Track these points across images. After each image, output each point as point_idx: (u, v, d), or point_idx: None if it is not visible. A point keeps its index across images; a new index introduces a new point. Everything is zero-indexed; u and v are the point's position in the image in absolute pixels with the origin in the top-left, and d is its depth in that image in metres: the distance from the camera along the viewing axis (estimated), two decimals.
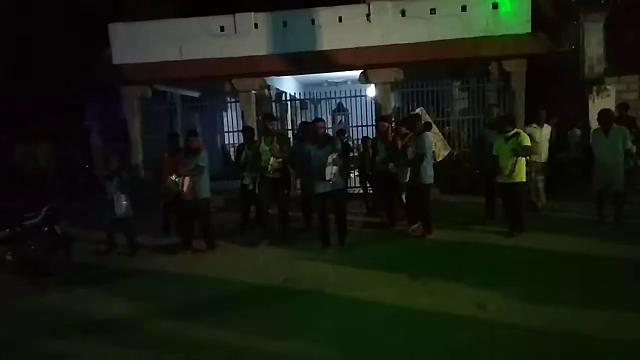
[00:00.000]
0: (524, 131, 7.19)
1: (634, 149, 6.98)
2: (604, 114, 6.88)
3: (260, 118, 9.86)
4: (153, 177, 9.31)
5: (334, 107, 14.55)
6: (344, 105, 13.49)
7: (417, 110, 8.49)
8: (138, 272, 6.13)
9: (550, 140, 8.02)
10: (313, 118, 8.40)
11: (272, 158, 6.67)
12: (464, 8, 9.81)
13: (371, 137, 9.12)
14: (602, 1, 10.30)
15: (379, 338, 3.91)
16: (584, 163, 8.66)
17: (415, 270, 5.40)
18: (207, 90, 12.35)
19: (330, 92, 11.04)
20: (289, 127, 11.83)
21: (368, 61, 9.97)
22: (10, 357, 4.06)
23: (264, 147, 6.87)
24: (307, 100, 14.02)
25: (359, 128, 10.77)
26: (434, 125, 8.25)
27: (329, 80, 14.41)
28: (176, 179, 6.50)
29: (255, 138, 8.02)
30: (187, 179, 6.50)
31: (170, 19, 10.81)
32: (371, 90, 10.85)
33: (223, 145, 13.07)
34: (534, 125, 7.85)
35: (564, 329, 3.82)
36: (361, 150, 9.30)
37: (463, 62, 10.45)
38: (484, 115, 9.58)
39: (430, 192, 7.13)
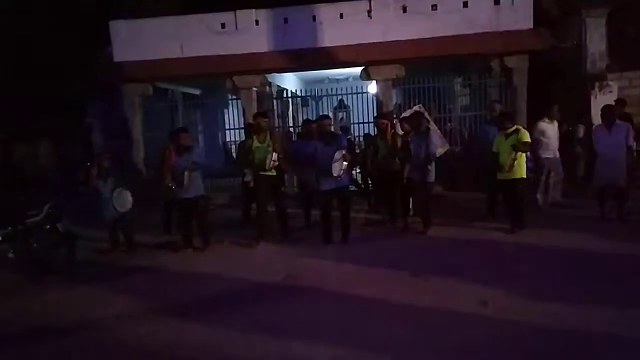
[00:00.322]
0: (536, 127, 7.14)
1: (635, 145, 6.95)
2: (607, 110, 6.86)
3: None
4: (154, 175, 9.30)
5: (335, 104, 14.54)
6: (346, 102, 13.48)
7: (416, 107, 8.48)
8: (140, 269, 6.13)
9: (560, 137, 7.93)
10: (314, 115, 8.39)
11: (274, 154, 6.61)
12: (465, 4, 9.77)
13: (373, 134, 9.11)
14: None
15: (380, 335, 3.89)
16: (587, 159, 8.62)
17: (417, 267, 5.39)
18: (208, 87, 12.36)
19: (332, 89, 11.05)
20: (291, 124, 11.83)
21: (369, 58, 9.95)
22: (12, 355, 4.06)
23: (257, 144, 6.78)
24: (309, 97, 14.03)
25: (361, 125, 10.76)
26: (432, 122, 8.24)
27: (330, 77, 14.39)
28: (172, 186, 6.50)
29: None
30: (186, 175, 6.49)
31: (171, 17, 10.82)
32: (372, 87, 10.83)
33: (224, 142, 13.07)
34: (547, 120, 7.70)
35: (566, 326, 3.81)
36: (362, 147, 9.29)
37: (465, 58, 10.41)
38: (486, 112, 9.55)
39: (432, 189, 7.11)
